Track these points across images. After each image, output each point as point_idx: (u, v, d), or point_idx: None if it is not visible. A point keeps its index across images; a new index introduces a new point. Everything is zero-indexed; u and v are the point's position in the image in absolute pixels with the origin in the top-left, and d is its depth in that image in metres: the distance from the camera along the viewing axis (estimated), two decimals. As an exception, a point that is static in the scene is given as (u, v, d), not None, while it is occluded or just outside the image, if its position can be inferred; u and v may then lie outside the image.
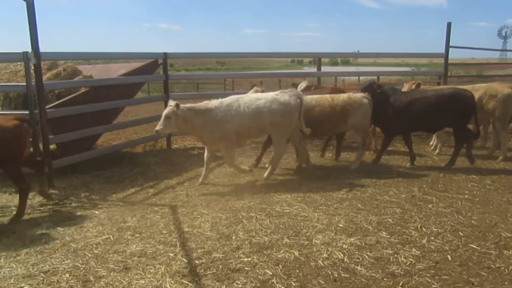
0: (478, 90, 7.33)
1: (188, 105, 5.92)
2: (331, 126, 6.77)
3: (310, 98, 6.67)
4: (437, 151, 7.92)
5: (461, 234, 4.29)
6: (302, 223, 4.62)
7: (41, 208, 5.43)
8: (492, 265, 3.65)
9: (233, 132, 5.95)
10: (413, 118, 6.69)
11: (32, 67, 5.73)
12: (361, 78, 23.06)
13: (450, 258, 3.78)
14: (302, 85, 8.52)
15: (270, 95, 6.19)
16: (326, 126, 6.69)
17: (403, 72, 20.03)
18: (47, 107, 6.05)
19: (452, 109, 6.54)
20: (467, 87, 7.67)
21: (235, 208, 5.16)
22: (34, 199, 5.77)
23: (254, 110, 5.97)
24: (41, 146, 5.85)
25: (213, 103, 5.98)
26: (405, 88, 7.87)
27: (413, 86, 7.61)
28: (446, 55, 9.85)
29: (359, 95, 6.76)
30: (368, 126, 7.01)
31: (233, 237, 4.30)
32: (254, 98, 6.12)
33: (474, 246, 4.01)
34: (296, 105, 6.10)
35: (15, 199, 5.80)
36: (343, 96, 6.72)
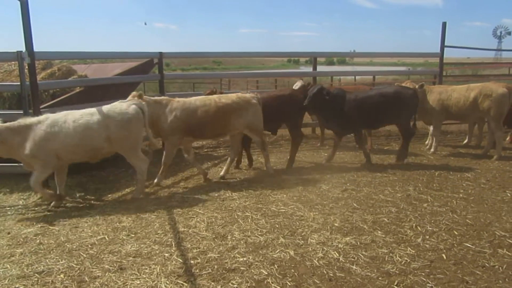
0: (473, 89, 7.37)
1: (6, 124, 5.15)
2: (218, 128, 6.27)
3: (194, 99, 6.33)
4: (432, 150, 7.94)
5: (456, 233, 4.31)
6: (297, 223, 4.62)
7: (36, 208, 5.41)
8: (486, 264, 3.66)
9: (53, 152, 5.19)
10: (362, 117, 6.84)
11: (26, 67, 5.71)
12: (357, 77, 23.14)
13: (445, 257, 3.79)
14: (297, 84, 8.52)
15: (104, 107, 5.52)
16: (212, 127, 6.20)
17: (399, 71, 20.12)
18: (41, 107, 6.02)
19: (396, 107, 6.81)
20: (462, 86, 7.71)
21: (231, 207, 5.16)
22: (29, 199, 5.75)
23: (81, 126, 5.24)
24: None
25: (33, 119, 5.21)
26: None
27: (416, 86, 7.62)
28: (441, 54, 9.88)
29: (248, 95, 6.49)
30: (260, 126, 6.55)
31: (229, 237, 4.29)
32: (85, 112, 5.42)
33: (468, 245, 4.02)
34: (135, 115, 5.46)
35: (9, 199, 5.79)
36: (232, 96, 6.41)
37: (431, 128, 8.30)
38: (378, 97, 6.90)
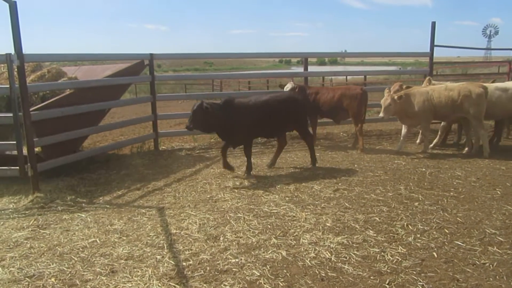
0: (452, 90, 7.44)
1: None
2: None
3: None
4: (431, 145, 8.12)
5: (446, 231, 4.34)
6: (289, 223, 4.63)
7: (27, 212, 5.35)
8: (477, 262, 3.69)
9: None
10: (255, 126, 6.49)
11: (16, 69, 5.65)
12: (348, 77, 23.24)
13: (436, 255, 3.82)
14: (288, 86, 8.54)
15: None
16: None
17: (390, 71, 20.26)
18: (31, 109, 5.97)
19: (289, 113, 6.64)
20: (440, 86, 7.78)
21: (223, 209, 5.15)
22: (19, 202, 5.70)
23: None
24: (25, 149, 5.76)
25: None
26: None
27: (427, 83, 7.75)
28: (431, 54, 9.95)
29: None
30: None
31: (221, 238, 4.29)
32: None
33: (459, 243, 4.05)
34: None
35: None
36: None
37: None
38: (273, 103, 6.57)
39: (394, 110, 7.47)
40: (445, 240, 4.14)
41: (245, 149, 6.62)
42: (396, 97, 7.37)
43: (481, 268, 3.59)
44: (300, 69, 10.28)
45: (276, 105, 6.57)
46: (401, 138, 8.09)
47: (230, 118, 6.19)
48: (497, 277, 3.43)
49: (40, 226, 4.83)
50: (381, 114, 7.52)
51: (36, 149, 6.11)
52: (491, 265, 3.61)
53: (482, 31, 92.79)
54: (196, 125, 6.08)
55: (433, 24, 9.66)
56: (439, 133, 8.55)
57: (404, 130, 8.12)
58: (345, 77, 26.07)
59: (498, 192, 5.52)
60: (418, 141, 8.71)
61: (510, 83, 8.12)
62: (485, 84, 7.64)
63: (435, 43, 9.83)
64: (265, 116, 6.48)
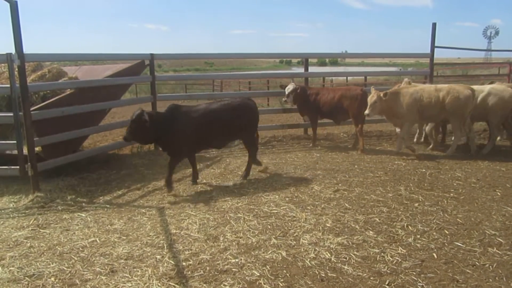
0: (441, 90, 7.44)
1: None
2: None
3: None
4: (430, 147, 8.17)
5: (446, 232, 4.34)
6: (289, 224, 4.63)
7: (27, 211, 5.36)
8: (477, 263, 3.69)
9: None
10: (202, 137, 5.99)
11: (16, 69, 5.66)
12: (349, 78, 23.26)
13: (435, 256, 3.82)
14: (290, 87, 8.53)
15: None
16: None
17: (390, 72, 20.25)
18: (31, 109, 5.97)
19: (240, 121, 6.17)
20: (429, 86, 7.78)
21: (223, 209, 5.15)
22: (20, 202, 5.70)
23: None
24: (25, 148, 5.77)
25: None
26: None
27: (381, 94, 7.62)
28: (431, 55, 9.97)
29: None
30: None
31: (221, 238, 4.29)
32: None
33: (459, 244, 4.05)
34: None
35: (-1, 203, 5.74)
36: None
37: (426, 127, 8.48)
38: (223, 111, 6.09)
39: (380, 108, 7.45)
40: (445, 241, 4.14)
41: (175, 162, 6.04)
42: (382, 94, 7.35)
43: (481, 269, 3.59)
44: (301, 70, 10.28)
45: (226, 113, 6.07)
46: (398, 138, 8.08)
47: (174, 129, 5.74)
48: (497, 278, 3.43)
49: (40, 226, 4.84)
50: (366, 112, 7.46)
51: (36, 149, 6.11)
52: (490, 266, 3.61)
53: (483, 32, 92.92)
54: (134, 137, 5.72)
55: (434, 25, 9.67)
56: (432, 135, 8.51)
57: (398, 130, 8.11)
58: (345, 78, 26.08)
59: (498, 193, 5.52)
60: (415, 140, 8.68)
61: (487, 86, 8.07)
62: (472, 86, 7.68)
63: (436, 44, 9.84)
64: (214, 126, 6.00)
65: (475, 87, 7.88)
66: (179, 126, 5.78)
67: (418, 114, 7.55)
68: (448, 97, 7.34)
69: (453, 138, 7.92)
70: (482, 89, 7.90)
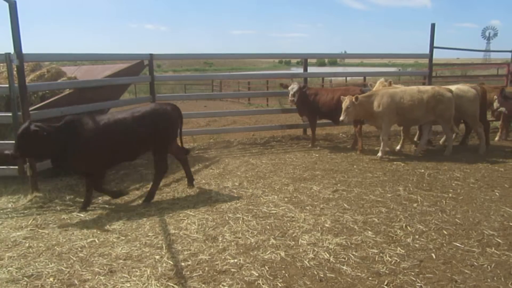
0: (424, 92, 7.40)
1: None
2: None
3: None
4: (379, 154, 7.61)
5: (445, 232, 4.34)
6: (288, 224, 4.63)
7: (25, 211, 5.35)
8: (475, 263, 3.69)
9: None
10: (109, 150, 5.27)
11: (15, 69, 5.66)
12: (348, 78, 23.28)
13: (434, 257, 3.82)
14: (294, 87, 8.54)
15: None
16: None
17: (389, 72, 20.27)
18: (30, 109, 5.96)
19: (147, 129, 5.40)
20: (412, 88, 7.74)
21: (222, 209, 5.15)
22: (18, 202, 5.70)
23: None
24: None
25: None
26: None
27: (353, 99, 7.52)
28: (430, 55, 9.99)
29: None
30: None
31: (220, 239, 4.29)
32: None
33: (457, 244, 4.06)
34: None
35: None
36: None
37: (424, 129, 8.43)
38: (127, 120, 5.34)
39: (355, 112, 7.34)
40: (443, 241, 4.14)
41: (93, 181, 5.37)
42: (353, 98, 7.24)
43: (479, 269, 3.59)
44: (300, 70, 10.29)
45: (133, 123, 5.35)
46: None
47: (72, 143, 5.01)
48: (495, 278, 3.43)
49: (38, 226, 4.83)
50: (341, 118, 7.33)
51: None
52: (489, 266, 3.62)
53: (481, 33, 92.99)
54: (24, 153, 4.98)
55: (433, 26, 9.69)
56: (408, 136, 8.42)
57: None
58: (344, 78, 26.10)
59: (497, 193, 5.53)
60: (398, 147, 8.42)
61: (453, 86, 8.02)
62: (450, 87, 7.69)
63: (435, 45, 9.85)
64: (119, 137, 5.28)
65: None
66: (80, 140, 5.05)
67: (398, 116, 7.44)
68: (434, 100, 7.32)
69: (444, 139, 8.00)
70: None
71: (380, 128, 7.74)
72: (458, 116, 7.90)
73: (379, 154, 7.61)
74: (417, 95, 7.38)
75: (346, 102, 7.33)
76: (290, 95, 8.58)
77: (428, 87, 7.69)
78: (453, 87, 7.85)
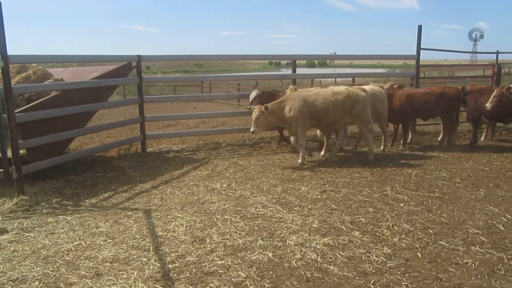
0: (339, 94, 7.23)
1: None
2: None
3: None
4: (299, 161, 7.42)
5: (431, 231, 4.39)
6: (276, 225, 4.64)
7: (11, 215, 5.29)
8: (460, 261, 3.74)
9: None
10: None
11: (0, 70, 5.59)
12: (337, 79, 23.41)
13: (420, 255, 3.86)
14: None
15: None
16: None
17: (378, 73, 20.42)
18: (16, 111, 5.90)
19: None
20: (325, 90, 7.48)
21: (210, 211, 5.15)
22: (4, 205, 5.62)
23: None
24: (9, 151, 5.69)
25: None
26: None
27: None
28: (417, 57, 10.08)
29: None
30: None
31: (207, 240, 4.28)
32: None
33: (443, 243, 4.10)
34: None
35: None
36: None
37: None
38: None
39: (266, 122, 7.08)
40: (429, 240, 4.18)
41: None
42: (263, 108, 6.98)
43: (464, 267, 3.63)
44: (289, 71, 10.31)
45: None
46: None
47: None
48: (479, 276, 3.47)
49: (24, 229, 4.78)
50: (251, 129, 7.06)
51: (21, 151, 6.03)
52: (473, 264, 3.66)
53: (468, 35, 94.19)
54: None
55: (419, 27, 9.79)
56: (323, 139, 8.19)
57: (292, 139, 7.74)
58: (334, 79, 26.21)
59: (482, 193, 5.60)
60: (381, 147, 8.41)
61: (367, 87, 8.06)
62: (364, 87, 7.72)
63: (422, 46, 9.95)
64: None
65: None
66: None
67: (313, 119, 7.23)
68: (350, 100, 7.19)
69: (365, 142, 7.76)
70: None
71: (295, 135, 7.47)
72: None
73: (299, 160, 7.36)
74: (331, 97, 7.19)
75: (255, 112, 7.03)
76: (250, 102, 8.81)
77: (342, 88, 7.47)
78: (367, 87, 7.91)
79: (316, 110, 7.15)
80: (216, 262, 3.82)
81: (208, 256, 3.93)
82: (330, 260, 3.81)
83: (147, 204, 5.54)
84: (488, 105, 7.66)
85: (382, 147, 8.31)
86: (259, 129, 7.13)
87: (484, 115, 8.23)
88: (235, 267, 3.71)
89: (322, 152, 7.88)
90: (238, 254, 3.95)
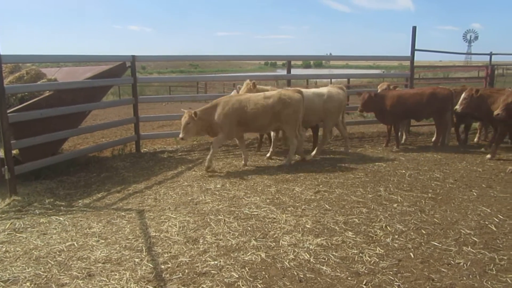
0: (270, 97, 6.99)
1: None
2: None
3: None
4: (243, 162, 7.45)
5: (423, 232, 4.40)
6: (270, 225, 4.64)
7: (3, 215, 5.25)
8: (452, 261, 3.75)
9: None
10: None
11: (-8, 70, 5.56)
12: (332, 80, 23.43)
13: (412, 256, 3.87)
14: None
15: None
16: None
17: (373, 74, 20.48)
18: (9, 111, 5.87)
19: None
20: (256, 94, 7.23)
21: (203, 211, 5.14)
22: (-4, 206, 5.59)
23: None
24: (2, 151, 5.66)
25: None
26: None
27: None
28: (412, 58, 10.11)
29: None
30: None
31: (201, 241, 4.28)
32: None
33: (435, 243, 4.12)
34: None
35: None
36: None
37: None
38: None
39: (196, 129, 6.84)
40: (422, 240, 4.20)
41: None
42: (193, 114, 6.72)
43: (456, 267, 3.65)
44: (285, 72, 10.31)
45: None
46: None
47: None
48: (471, 276, 3.49)
49: (16, 230, 4.75)
50: (180, 135, 6.80)
51: (14, 152, 6.00)
52: (465, 265, 3.68)
53: (463, 36, 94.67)
54: None
55: (414, 28, 9.83)
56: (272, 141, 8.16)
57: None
58: (329, 80, 26.25)
59: (474, 193, 5.63)
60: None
61: (325, 88, 8.08)
62: (301, 89, 7.48)
63: (416, 47, 9.98)
64: None
65: (306, 90, 7.78)
66: None
67: (240, 126, 6.98)
68: (280, 105, 6.88)
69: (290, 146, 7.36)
70: (320, 92, 7.85)
71: (237, 138, 7.31)
72: (322, 119, 7.87)
73: (206, 163, 7.00)
74: (262, 102, 6.90)
75: (185, 118, 6.75)
76: None
77: (274, 92, 7.21)
78: (325, 89, 7.92)
79: (245, 117, 6.88)
80: (209, 262, 3.81)
81: (201, 257, 3.93)
82: (323, 260, 3.82)
83: (140, 205, 5.52)
84: (458, 107, 7.73)
85: (314, 152, 7.97)
86: (189, 135, 6.90)
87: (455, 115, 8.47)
88: (227, 268, 3.71)
89: (268, 155, 7.84)
90: (231, 255, 3.95)
